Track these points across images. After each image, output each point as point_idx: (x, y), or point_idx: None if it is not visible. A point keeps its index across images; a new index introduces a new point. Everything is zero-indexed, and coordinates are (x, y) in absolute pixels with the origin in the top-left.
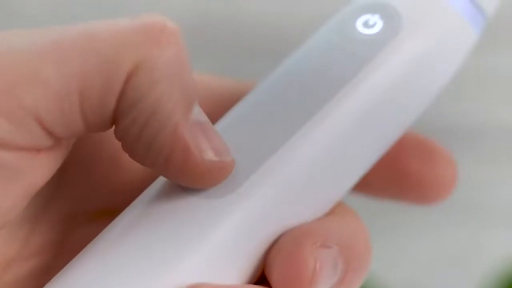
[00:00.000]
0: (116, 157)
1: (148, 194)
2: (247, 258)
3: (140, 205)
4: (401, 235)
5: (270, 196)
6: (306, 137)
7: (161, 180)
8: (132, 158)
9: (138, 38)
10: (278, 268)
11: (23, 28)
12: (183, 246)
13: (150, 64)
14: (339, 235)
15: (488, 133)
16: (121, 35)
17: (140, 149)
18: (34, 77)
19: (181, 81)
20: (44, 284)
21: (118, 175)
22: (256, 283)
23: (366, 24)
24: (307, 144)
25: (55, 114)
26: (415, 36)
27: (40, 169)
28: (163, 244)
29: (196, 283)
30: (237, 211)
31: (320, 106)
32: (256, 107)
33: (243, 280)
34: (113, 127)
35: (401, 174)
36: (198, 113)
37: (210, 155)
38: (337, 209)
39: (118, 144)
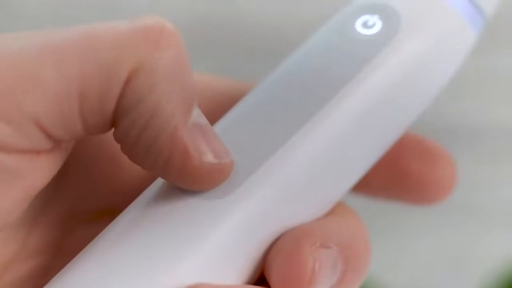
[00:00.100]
0: (116, 157)
1: (148, 194)
2: (247, 258)
3: (140, 205)
4: (401, 235)
5: (269, 196)
6: (306, 137)
7: (161, 180)
8: (132, 161)
9: (138, 40)
10: (277, 268)
11: (23, 28)
12: (183, 246)
13: (149, 66)
14: (339, 235)
15: (488, 133)
16: (121, 37)
17: (139, 151)
18: (33, 79)
19: (181, 83)
20: (44, 285)
21: (118, 176)
22: (255, 283)
23: (365, 25)
24: (307, 144)
25: (54, 116)
26: (414, 36)
27: (40, 172)
28: (163, 244)
29: (196, 283)
30: (236, 211)
31: (320, 106)
32: (256, 107)
33: (242, 280)
34: (113, 129)
35: (401, 174)
36: (198, 116)
37: (209, 157)
38: (337, 209)
39: (118, 144)
